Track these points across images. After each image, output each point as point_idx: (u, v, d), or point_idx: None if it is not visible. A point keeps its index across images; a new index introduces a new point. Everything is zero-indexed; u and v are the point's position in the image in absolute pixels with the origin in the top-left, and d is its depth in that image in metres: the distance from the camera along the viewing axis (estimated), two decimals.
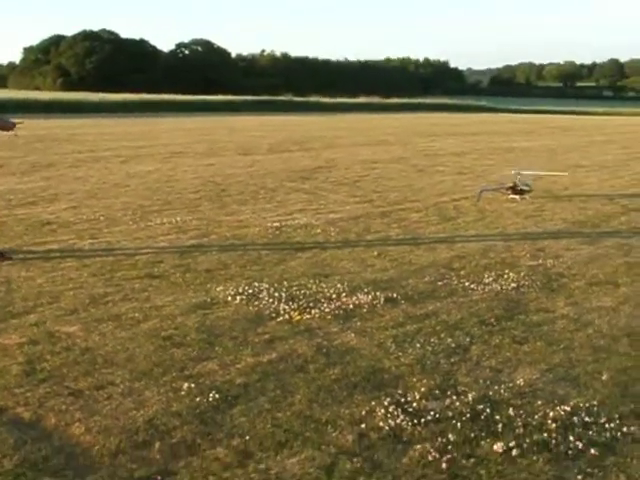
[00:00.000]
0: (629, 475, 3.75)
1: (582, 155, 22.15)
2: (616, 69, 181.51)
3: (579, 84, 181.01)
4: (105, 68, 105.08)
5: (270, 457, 3.86)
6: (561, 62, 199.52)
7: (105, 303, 6.48)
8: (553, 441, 4.06)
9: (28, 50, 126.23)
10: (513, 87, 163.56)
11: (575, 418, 4.32)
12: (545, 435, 4.12)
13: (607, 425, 4.24)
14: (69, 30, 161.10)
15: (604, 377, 4.97)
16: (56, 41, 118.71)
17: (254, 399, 4.55)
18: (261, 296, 6.65)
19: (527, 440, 4.06)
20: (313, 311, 6.25)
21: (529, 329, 5.93)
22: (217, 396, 4.55)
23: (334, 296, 6.66)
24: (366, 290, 6.86)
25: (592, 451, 3.96)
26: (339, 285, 7.01)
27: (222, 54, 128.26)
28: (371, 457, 3.88)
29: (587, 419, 4.32)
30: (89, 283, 7.12)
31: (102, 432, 4.10)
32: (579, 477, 3.72)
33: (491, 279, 7.32)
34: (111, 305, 6.43)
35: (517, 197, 12.32)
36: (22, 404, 4.45)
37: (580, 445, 4.01)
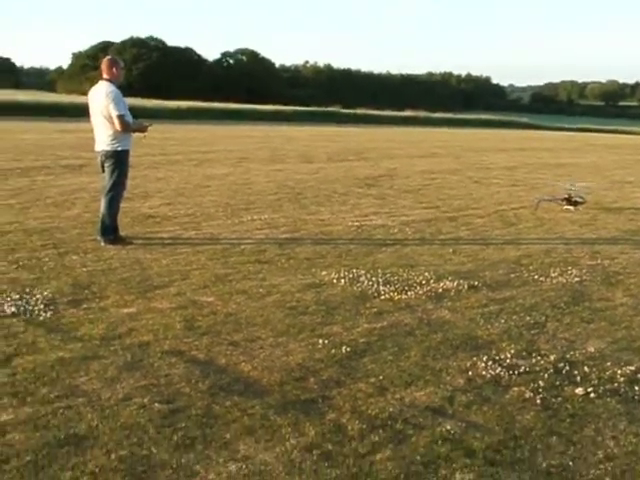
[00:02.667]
0: None
1: (628, 172, 23.09)
2: None
3: (621, 103, 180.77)
4: (151, 75, 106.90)
5: (402, 391, 4.99)
6: (603, 81, 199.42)
7: (229, 281, 7.65)
8: (622, 389, 5.16)
9: (77, 56, 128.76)
10: (554, 104, 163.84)
11: (639, 375, 5.41)
12: (615, 385, 5.22)
13: None
14: (117, 37, 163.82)
15: None
16: (104, 47, 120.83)
17: (378, 352, 5.69)
18: (361, 279, 7.79)
19: (601, 388, 5.15)
20: (409, 293, 7.38)
21: (594, 312, 7.02)
22: (348, 349, 5.70)
23: (424, 282, 7.79)
24: (450, 278, 7.98)
25: None
26: (426, 274, 8.13)
27: (266, 64, 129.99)
28: (480, 394, 5.00)
29: None
30: (209, 265, 8.29)
31: (265, 369, 5.26)
32: None
33: (557, 274, 8.40)
34: (235, 282, 7.60)
35: (572, 208, 13.39)
36: (194, 349, 5.63)
37: None
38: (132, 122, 9.06)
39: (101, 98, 8.78)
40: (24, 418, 4.33)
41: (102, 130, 8.90)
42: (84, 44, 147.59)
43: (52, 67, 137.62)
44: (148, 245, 9.20)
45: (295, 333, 6.08)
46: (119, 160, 8.95)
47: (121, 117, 8.72)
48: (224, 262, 8.45)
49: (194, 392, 4.82)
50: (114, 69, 8.91)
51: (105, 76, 8.90)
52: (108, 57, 9.12)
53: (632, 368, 5.54)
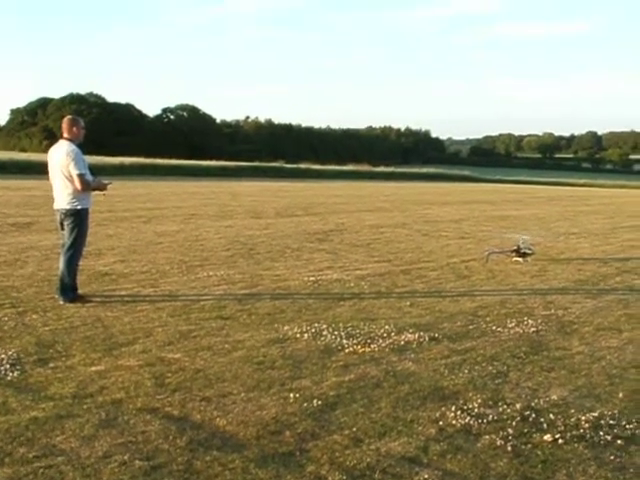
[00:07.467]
0: None
1: (571, 224, 23.60)
2: (594, 141, 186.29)
3: (558, 155, 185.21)
4: (91, 131, 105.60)
5: (376, 441, 5.10)
6: (540, 134, 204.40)
7: (194, 337, 7.70)
8: (588, 435, 5.33)
9: (15, 111, 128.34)
10: (493, 157, 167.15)
11: (602, 421, 5.60)
12: (581, 431, 5.40)
13: (627, 426, 5.52)
14: (56, 93, 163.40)
15: (620, 395, 6.26)
16: (43, 104, 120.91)
17: (349, 405, 5.79)
18: (324, 334, 7.90)
19: (568, 434, 5.32)
20: (372, 345, 7.52)
21: (553, 361, 7.22)
22: (319, 402, 5.80)
23: (385, 335, 7.94)
24: (411, 331, 8.13)
25: (618, 442, 5.23)
26: (387, 327, 8.28)
27: (207, 120, 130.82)
28: (453, 443, 5.13)
29: (611, 422, 5.60)
30: (171, 322, 8.33)
31: (241, 424, 5.33)
32: (611, 457, 4.98)
33: (513, 324, 8.62)
34: (199, 339, 7.65)
35: (521, 259, 13.70)
36: (168, 406, 5.67)
37: (609, 438, 5.29)
38: (92, 180, 9.11)
39: (62, 157, 8.85)
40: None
41: (62, 189, 8.94)
42: (22, 100, 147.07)
43: None
44: (107, 303, 9.20)
45: (265, 388, 6.15)
46: (79, 219, 9.00)
47: (81, 176, 8.79)
48: (186, 319, 8.49)
49: (173, 448, 4.86)
50: (74, 128, 9.00)
51: (66, 135, 8.97)
52: (69, 117, 9.21)
53: (595, 414, 5.73)
